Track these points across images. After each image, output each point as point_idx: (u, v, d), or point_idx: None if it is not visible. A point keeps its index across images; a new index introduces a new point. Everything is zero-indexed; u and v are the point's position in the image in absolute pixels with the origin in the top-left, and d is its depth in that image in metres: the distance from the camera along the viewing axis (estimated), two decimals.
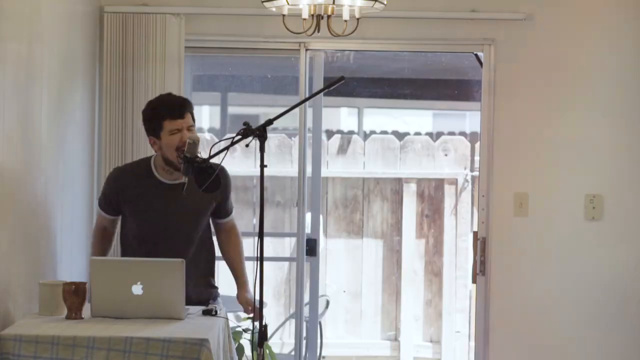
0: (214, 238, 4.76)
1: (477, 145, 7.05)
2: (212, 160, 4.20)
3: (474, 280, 5.78)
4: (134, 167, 4.69)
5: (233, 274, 4.74)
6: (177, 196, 4.44)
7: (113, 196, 4.61)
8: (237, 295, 4.68)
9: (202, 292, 4.60)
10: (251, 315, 4.59)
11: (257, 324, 4.04)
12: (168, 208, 4.52)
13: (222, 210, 4.69)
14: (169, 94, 4.69)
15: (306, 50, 5.71)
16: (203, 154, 4.27)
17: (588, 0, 5.66)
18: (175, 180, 4.48)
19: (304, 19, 4.38)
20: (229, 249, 4.76)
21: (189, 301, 4.28)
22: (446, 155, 8.54)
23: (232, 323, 4.56)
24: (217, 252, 4.77)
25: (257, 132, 3.97)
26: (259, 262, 3.95)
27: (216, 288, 4.75)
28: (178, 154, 4.39)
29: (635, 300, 5.69)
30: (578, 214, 5.69)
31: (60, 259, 4.90)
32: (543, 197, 5.69)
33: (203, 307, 4.24)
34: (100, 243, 4.71)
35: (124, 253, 4.66)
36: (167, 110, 4.49)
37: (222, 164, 4.38)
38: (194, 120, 4.56)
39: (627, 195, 5.68)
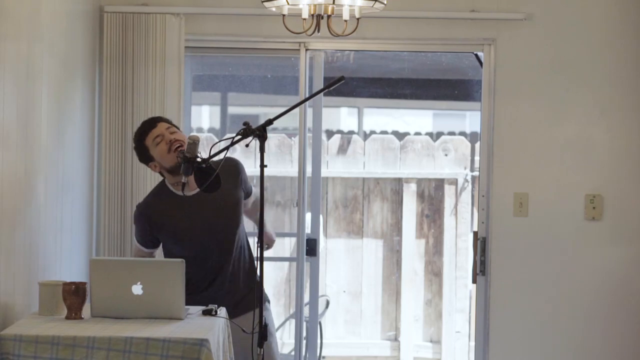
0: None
1: (477, 145, 7.06)
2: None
3: (474, 280, 5.79)
4: (154, 196, 4.69)
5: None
6: (205, 203, 4.47)
7: (146, 231, 4.65)
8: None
9: (246, 291, 4.64)
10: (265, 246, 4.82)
11: (257, 324, 4.04)
12: (203, 220, 4.53)
13: (245, 194, 4.73)
14: None
15: (306, 50, 5.71)
16: (203, 154, 4.27)
17: (588, 0, 5.66)
18: (194, 190, 4.48)
19: (304, 19, 4.38)
20: (253, 218, 4.88)
21: (234, 303, 4.47)
22: (446, 155, 8.55)
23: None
24: None
25: (257, 132, 3.98)
26: (259, 262, 3.95)
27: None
28: (177, 154, 4.41)
29: (635, 300, 5.69)
30: (578, 214, 5.69)
31: (60, 259, 4.90)
32: (543, 197, 5.69)
33: (203, 307, 4.24)
34: None
35: None
36: (141, 130, 4.61)
37: (229, 156, 4.46)
38: (177, 127, 4.63)
39: (627, 195, 5.68)
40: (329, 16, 4.40)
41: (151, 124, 4.59)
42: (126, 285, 4.05)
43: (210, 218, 4.55)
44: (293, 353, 6.25)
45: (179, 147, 4.46)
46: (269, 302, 4.78)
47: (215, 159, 4.21)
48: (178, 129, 4.63)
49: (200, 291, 4.50)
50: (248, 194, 4.76)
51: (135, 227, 4.71)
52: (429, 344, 8.58)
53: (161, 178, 4.68)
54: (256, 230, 4.12)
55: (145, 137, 4.56)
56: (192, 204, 4.52)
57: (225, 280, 4.59)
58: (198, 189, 4.35)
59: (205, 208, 4.54)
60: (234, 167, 4.62)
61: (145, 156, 4.58)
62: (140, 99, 5.51)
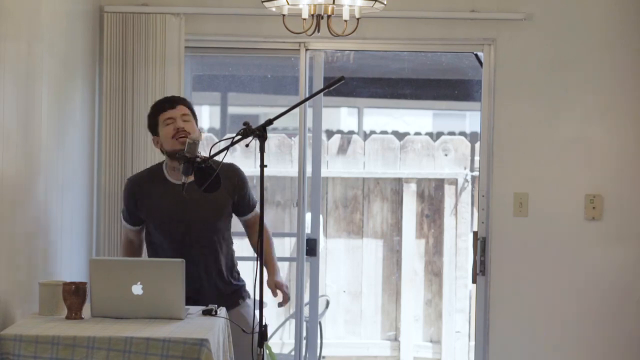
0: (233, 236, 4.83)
1: (477, 145, 7.05)
2: (225, 160, 4.22)
3: (474, 280, 5.78)
4: (146, 173, 4.76)
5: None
6: (192, 195, 4.48)
7: (132, 206, 4.69)
8: (267, 280, 4.70)
9: (227, 288, 4.68)
10: (279, 300, 4.69)
11: (257, 324, 4.04)
12: (185, 208, 4.54)
13: (242, 207, 4.73)
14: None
15: (306, 50, 5.71)
16: (203, 154, 4.27)
17: (588, 0, 5.66)
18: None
19: (304, 19, 4.38)
20: (253, 241, 4.79)
21: (212, 297, 4.47)
22: (446, 155, 8.54)
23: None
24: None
25: (257, 132, 3.98)
26: (259, 262, 3.95)
27: (243, 284, 4.80)
28: (176, 143, 4.45)
29: (635, 300, 5.69)
30: (578, 214, 5.69)
31: (60, 259, 4.90)
32: (543, 197, 5.69)
33: (203, 307, 4.24)
34: (131, 255, 4.78)
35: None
36: (160, 104, 4.69)
37: (233, 163, 4.47)
38: (194, 116, 4.66)
39: (627, 195, 5.68)
40: (329, 16, 4.40)
41: (171, 104, 4.66)
42: (126, 285, 4.05)
43: (193, 210, 4.56)
44: (293, 353, 6.25)
45: (182, 136, 4.49)
46: (249, 297, 4.78)
47: (215, 159, 4.21)
48: (195, 118, 4.66)
49: None
50: (246, 210, 4.74)
51: (123, 199, 4.76)
52: (429, 344, 8.58)
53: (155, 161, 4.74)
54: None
55: (160, 113, 4.63)
56: (179, 194, 4.49)
57: (199, 275, 4.59)
58: (191, 179, 4.36)
59: (191, 200, 4.51)
60: (233, 173, 4.65)
61: (152, 129, 4.66)
62: (140, 99, 5.51)
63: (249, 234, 4.82)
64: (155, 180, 4.64)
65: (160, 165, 4.71)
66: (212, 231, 4.62)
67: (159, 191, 4.61)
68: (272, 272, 4.72)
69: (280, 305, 4.73)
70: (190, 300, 4.30)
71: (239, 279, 4.78)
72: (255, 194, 4.76)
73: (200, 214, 4.58)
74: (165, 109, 4.62)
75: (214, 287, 4.63)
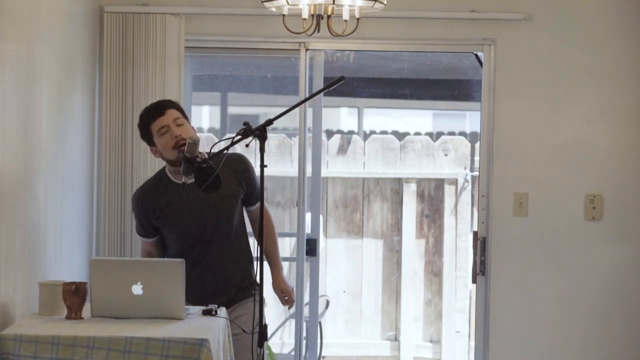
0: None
1: (477, 145, 7.06)
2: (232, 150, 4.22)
3: (474, 280, 5.79)
4: (150, 183, 4.72)
5: (267, 260, 4.74)
6: (201, 192, 4.47)
7: (144, 218, 4.65)
8: (272, 283, 4.76)
9: (245, 282, 4.67)
10: (286, 305, 4.77)
11: (257, 324, 4.04)
12: (197, 207, 4.54)
13: (251, 196, 4.69)
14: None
15: (306, 50, 5.71)
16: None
17: (588, 0, 5.66)
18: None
19: (304, 19, 4.38)
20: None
21: (232, 292, 4.54)
22: (446, 155, 8.55)
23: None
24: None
25: (257, 132, 3.98)
26: (258, 262, 3.96)
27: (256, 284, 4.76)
28: (178, 152, 4.42)
29: (635, 300, 5.69)
30: (578, 214, 5.69)
31: (60, 259, 4.89)
32: (543, 197, 5.69)
33: (203, 307, 4.24)
34: None
35: None
36: (148, 114, 4.59)
37: (238, 152, 4.44)
38: (185, 116, 4.61)
39: (627, 195, 5.68)
40: (329, 16, 4.40)
41: (159, 111, 4.55)
42: (126, 285, 4.05)
43: (206, 207, 4.55)
44: (293, 353, 6.25)
45: (182, 144, 4.41)
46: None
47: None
48: (186, 117, 4.61)
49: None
50: (254, 200, 4.68)
51: (134, 214, 4.72)
52: (429, 344, 8.59)
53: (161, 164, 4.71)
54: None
55: (151, 123, 4.55)
56: (187, 192, 4.43)
57: (207, 269, 4.59)
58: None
59: (202, 198, 4.48)
60: (235, 162, 4.61)
61: (148, 139, 4.59)
62: (140, 99, 5.51)
63: (254, 227, 4.74)
64: (161, 187, 4.62)
65: (162, 171, 4.68)
66: (228, 226, 4.60)
67: (167, 196, 4.60)
68: (277, 273, 4.76)
69: (286, 304, 4.77)
70: (209, 298, 4.35)
71: (252, 280, 4.75)
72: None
73: (213, 211, 4.56)
74: (155, 118, 4.53)
75: (233, 282, 4.62)
